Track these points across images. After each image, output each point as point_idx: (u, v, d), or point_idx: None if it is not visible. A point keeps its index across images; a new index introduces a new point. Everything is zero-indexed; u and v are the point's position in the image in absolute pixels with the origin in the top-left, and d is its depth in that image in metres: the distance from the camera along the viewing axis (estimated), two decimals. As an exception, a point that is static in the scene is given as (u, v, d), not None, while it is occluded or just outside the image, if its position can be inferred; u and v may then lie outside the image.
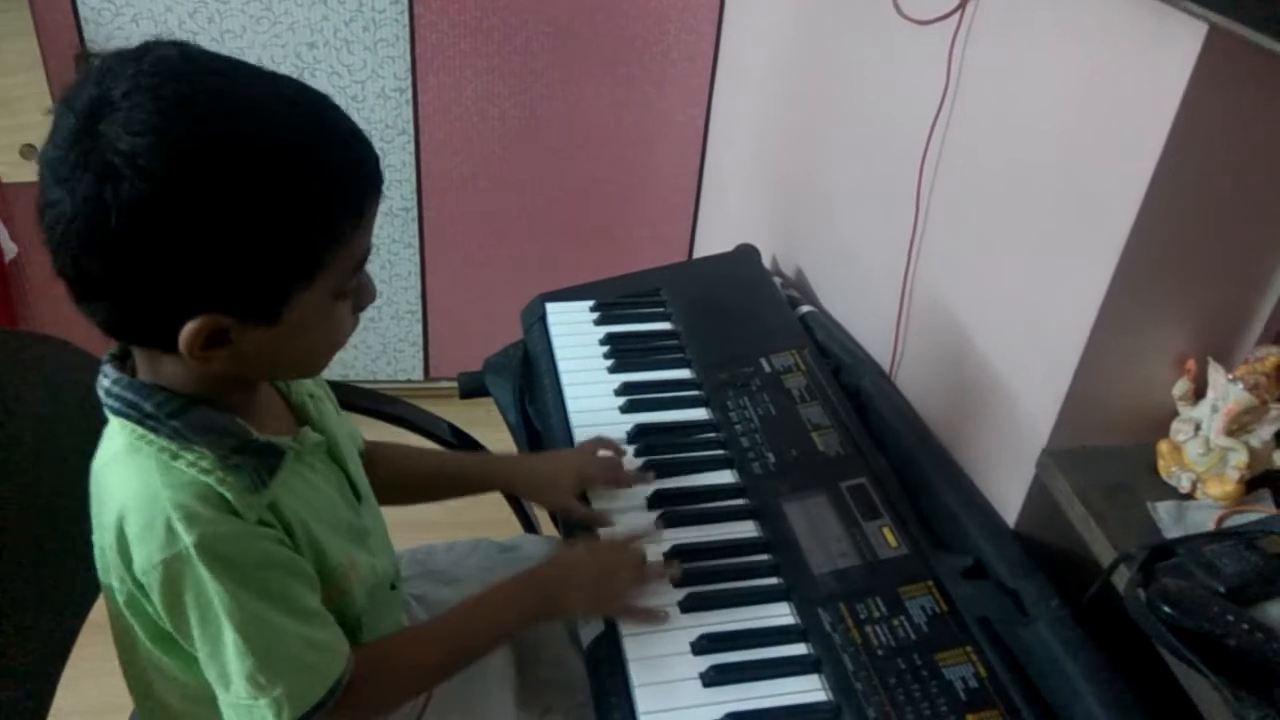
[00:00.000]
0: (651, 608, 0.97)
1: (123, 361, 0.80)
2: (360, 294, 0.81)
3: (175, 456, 0.76)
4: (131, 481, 0.76)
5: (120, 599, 0.80)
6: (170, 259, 0.69)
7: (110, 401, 0.78)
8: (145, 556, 0.75)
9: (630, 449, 1.18)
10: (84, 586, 1.03)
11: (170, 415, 0.77)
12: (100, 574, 0.83)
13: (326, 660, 0.81)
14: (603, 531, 1.06)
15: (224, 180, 0.68)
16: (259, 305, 0.73)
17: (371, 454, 1.06)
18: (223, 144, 0.68)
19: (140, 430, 0.77)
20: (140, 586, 0.77)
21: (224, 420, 0.79)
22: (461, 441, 1.34)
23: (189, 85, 0.69)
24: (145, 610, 0.79)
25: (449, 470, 1.17)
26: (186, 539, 0.73)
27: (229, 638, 0.76)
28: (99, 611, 1.03)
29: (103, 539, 0.79)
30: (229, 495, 0.76)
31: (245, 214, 0.69)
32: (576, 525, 1.09)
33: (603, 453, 1.15)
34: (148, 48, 0.70)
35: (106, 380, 0.79)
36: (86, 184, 0.66)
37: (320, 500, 0.87)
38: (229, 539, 0.76)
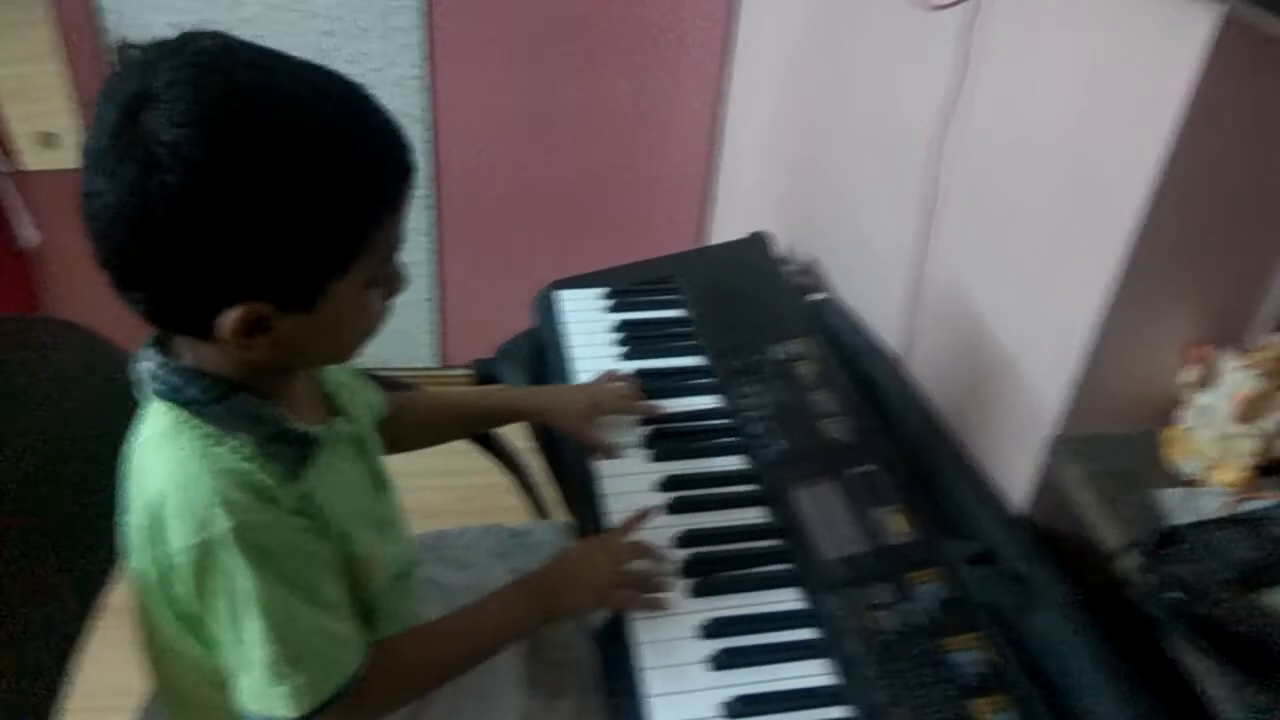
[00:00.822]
0: (654, 596, 0.98)
1: (162, 346, 0.81)
2: (392, 281, 0.82)
3: (218, 442, 0.78)
4: (171, 464, 0.77)
5: (149, 580, 0.82)
6: (212, 248, 0.70)
7: (154, 384, 0.80)
8: (180, 539, 0.76)
9: (641, 433, 1.19)
10: (102, 570, 1.05)
11: (214, 400, 0.78)
12: (128, 555, 0.85)
13: (345, 654, 0.82)
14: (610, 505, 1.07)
15: (265, 170, 0.69)
16: (297, 293, 0.75)
17: (400, 404, 1.09)
18: (263, 134, 0.69)
19: (184, 414, 0.78)
20: (171, 567, 0.78)
21: (263, 407, 0.80)
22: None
23: (229, 77, 0.70)
24: (172, 591, 0.80)
25: (475, 406, 1.23)
26: (223, 524, 0.75)
27: (254, 624, 0.77)
28: (116, 595, 1.05)
29: (136, 519, 0.80)
30: (268, 483, 0.78)
31: (285, 203, 0.70)
32: (587, 512, 1.10)
33: (615, 384, 1.21)
34: (188, 39, 0.72)
35: (150, 364, 0.80)
36: (130, 175, 0.68)
37: (348, 489, 0.88)
38: (263, 528, 0.77)
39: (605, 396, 1.19)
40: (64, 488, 1.01)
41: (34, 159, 1.95)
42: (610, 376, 1.23)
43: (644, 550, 1.01)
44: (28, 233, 2.00)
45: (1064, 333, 0.99)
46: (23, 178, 1.96)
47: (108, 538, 0.86)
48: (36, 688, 0.97)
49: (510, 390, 1.31)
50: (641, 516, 1.05)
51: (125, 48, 0.72)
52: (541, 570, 1.00)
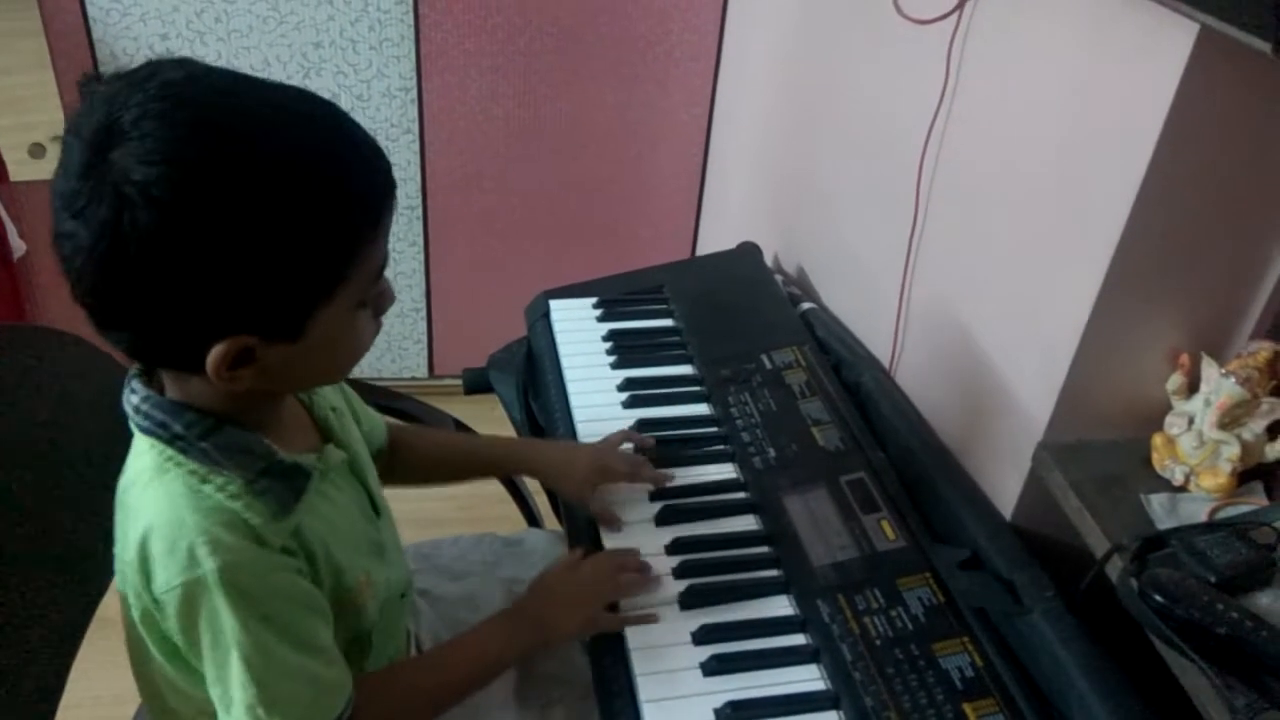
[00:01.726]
0: (642, 613, 0.98)
1: (149, 376, 0.80)
2: (380, 300, 0.81)
3: (204, 480, 0.76)
4: (158, 502, 0.76)
5: (136, 614, 0.81)
6: (192, 285, 0.68)
7: (139, 420, 0.78)
8: (165, 578, 0.75)
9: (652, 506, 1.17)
10: (97, 580, 1.05)
11: (200, 436, 0.77)
12: (119, 585, 0.84)
13: (327, 698, 0.81)
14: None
15: (240, 205, 0.67)
16: (283, 323, 0.73)
17: (401, 438, 1.09)
18: (237, 167, 0.67)
19: (169, 451, 0.77)
20: (157, 604, 0.77)
21: (252, 440, 0.79)
22: (466, 437, 1.36)
23: (198, 109, 0.68)
24: (159, 627, 0.80)
25: (475, 453, 1.19)
26: (208, 565, 0.74)
27: (235, 666, 0.76)
28: (111, 606, 1.04)
29: (124, 554, 0.79)
30: (255, 522, 0.76)
31: (264, 236, 0.69)
32: (579, 521, 1.11)
33: (625, 447, 1.15)
34: (152, 70, 0.69)
35: (135, 398, 0.79)
36: (102, 216, 0.66)
37: (341, 518, 0.87)
38: (249, 568, 0.76)
39: (612, 462, 1.11)
40: (59, 497, 1.01)
41: (21, 170, 1.95)
42: (621, 438, 1.16)
43: (631, 566, 1.01)
44: (14, 243, 1.99)
45: (1049, 341, 1.00)
46: (9, 188, 1.96)
47: (103, 547, 0.86)
48: (33, 697, 0.97)
49: (515, 443, 1.27)
50: (637, 561, 1.04)
51: (89, 81, 0.70)
52: (529, 598, 0.99)
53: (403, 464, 1.09)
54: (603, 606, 0.98)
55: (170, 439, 0.77)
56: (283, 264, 0.70)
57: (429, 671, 0.95)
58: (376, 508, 0.95)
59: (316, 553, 0.82)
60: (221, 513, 0.76)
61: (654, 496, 1.12)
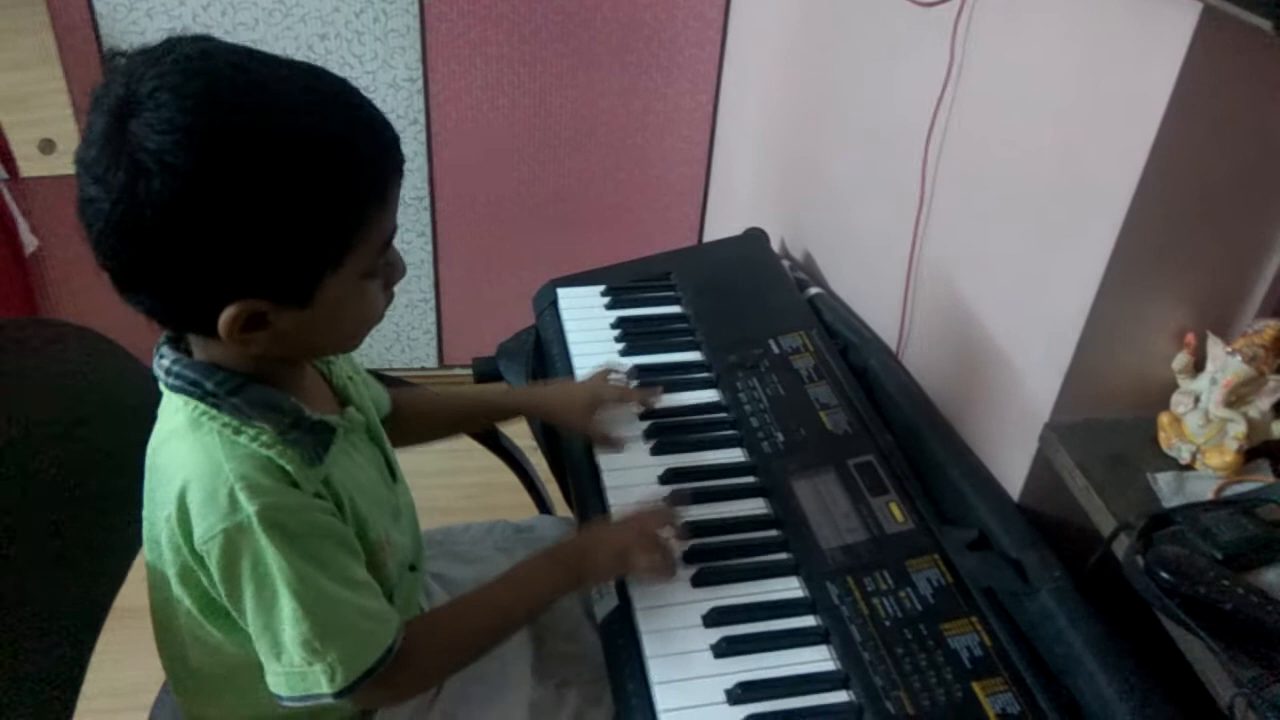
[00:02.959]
0: (667, 549, 1.00)
1: (176, 343, 0.84)
2: (390, 271, 0.84)
3: (237, 431, 0.80)
4: (194, 455, 0.79)
5: (173, 571, 0.83)
6: (203, 250, 0.72)
7: (170, 380, 0.82)
8: (206, 526, 0.78)
9: (641, 428, 1.21)
10: (113, 570, 1.06)
11: (230, 393, 0.80)
12: (148, 549, 0.86)
13: (378, 628, 0.84)
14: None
15: (250, 172, 0.70)
16: (292, 289, 0.77)
17: (402, 400, 1.11)
18: (247, 137, 0.71)
19: (202, 406, 0.80)
20: (198, 558, 0.80)
21: (279, 397, 0.82)
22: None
23: (211, 81, 0.71)
24: (198, 582, 0.82)
25: (476, 403, 1.25)
26: (248, 508, 0.77)
27: (285, 604, 0.78)
28: (126, 596, 1.06)
29: (160, 512, 0.82)
30: (289, 468, 0.80)
31: (272, 203, 0.72)
32: (588, 495, 1.12)
33: (613, 378, 1.24)
34: (170, 45, 0.73)
35: (166, 360, 0.82)
36: (120, 182, 0.70)
37: (363, 477, 0.90)
38: (288, 510, 0.79)
39: (604, 390, 1.21)
40: (68, 487, 1.02)
41: (31, 165, 1.96)
42: (607, 370, 1.25)
43: (663, 518, 1.03)
44: (25, 238, 2.01)
45: (1055, 322, 1.01)
46: (20, 184, 1.97)
47: (119, 537, 0.87)
48: (52, 689, 0.98)
49: (510, 388, 1.33)
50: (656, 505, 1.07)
51: (113, 55, 0.74)
52: (564, 541, 1.02)
53: (406, 424, 1.12)
54: (637, 544, 0.98)
55: (203, 395, 0.80)
56: (289, 231, 0.73)
57: (471, 610, 0.96)
58: (394, 473, 0.98)
59: (344, 503, 0.85)
60: (257, 459, 0.79)
61: (664, 480, 1.13)
